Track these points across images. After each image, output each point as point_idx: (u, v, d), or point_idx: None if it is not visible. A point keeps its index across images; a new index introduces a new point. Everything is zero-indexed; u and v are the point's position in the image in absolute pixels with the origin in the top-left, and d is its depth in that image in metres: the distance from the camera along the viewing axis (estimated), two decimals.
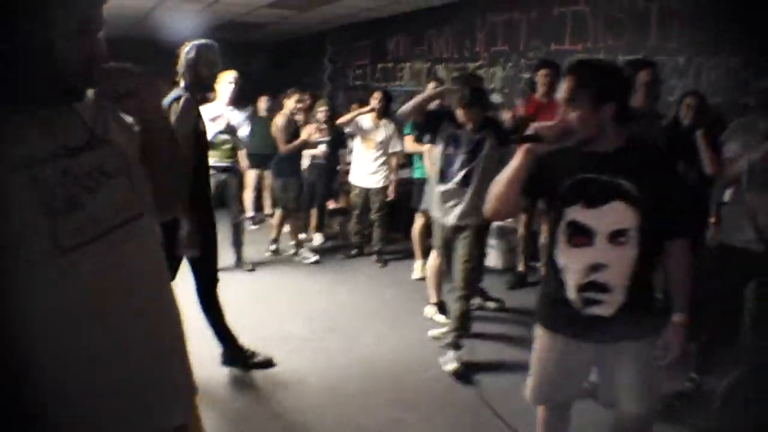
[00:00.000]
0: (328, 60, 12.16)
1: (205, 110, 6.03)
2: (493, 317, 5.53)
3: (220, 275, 4.27)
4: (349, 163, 7.73)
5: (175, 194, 1.74)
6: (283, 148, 6.98)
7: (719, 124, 4.88)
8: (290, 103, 7.27)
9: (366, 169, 7.14)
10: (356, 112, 7.09)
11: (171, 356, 1.61)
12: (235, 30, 11.42)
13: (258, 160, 8.74)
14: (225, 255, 6.69)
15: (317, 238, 8.14)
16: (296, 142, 7.01)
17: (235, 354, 4.38)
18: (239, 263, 6.90)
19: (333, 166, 8.11)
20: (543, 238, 6.06)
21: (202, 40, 4.04)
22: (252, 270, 6.84)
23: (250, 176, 9.04)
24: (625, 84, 2.53)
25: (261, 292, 6.15)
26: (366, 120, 7.07)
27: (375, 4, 9.10)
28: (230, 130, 6.44)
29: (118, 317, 1.43)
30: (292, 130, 7.18)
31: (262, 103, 9.11)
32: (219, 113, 6.34)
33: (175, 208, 1.86)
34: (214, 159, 6.25)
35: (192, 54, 3.98)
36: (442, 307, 5.34)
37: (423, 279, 6.47)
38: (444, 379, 4.31)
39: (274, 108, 8.97)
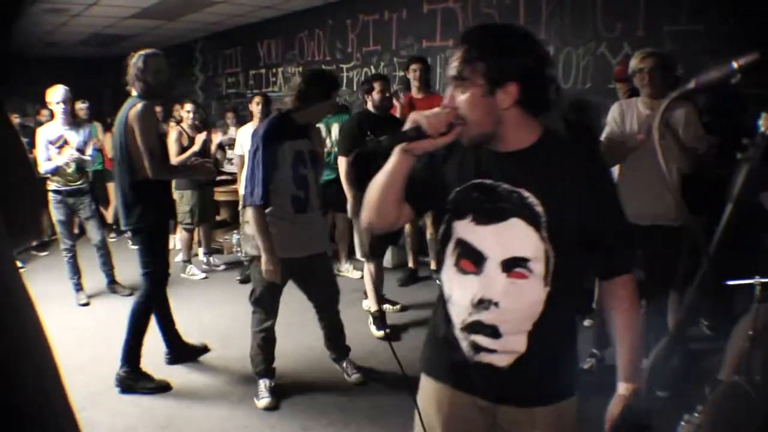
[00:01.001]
0: (198, 70, 11.89)
1: (42, 132, 5.90)
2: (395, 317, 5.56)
3: (97, 300, 4.09)
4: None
5: (31, 217, 1.58)
6: (176, 159, 6.49)
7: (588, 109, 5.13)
8: (185, 114, 7.08)
9: None
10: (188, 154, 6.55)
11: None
12: (102, 43, 11.00)
13: None
14: (101, 277, 6.48)
15: (201, 252, 7.92)
16: (188, 152, 6.62)
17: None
18: (113, 287, 6.60)
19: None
20: (429, 234, 6.15)
21: (149, 50, 4.28)
22: (130, 294, 6.33)
23: None
24: (536, 58, 1.71)
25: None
26: (246, 132, 6.83)
27: (243, 10, 8.98)
28: (77, 159, 6.03)
29: None
30: (186, 141, 6.92)
31: None
32: (58, 134, 5.96)
33: (31, 233, 1.65)
34: (56, 185, 5.98)
35: (140, 63, 4.18)
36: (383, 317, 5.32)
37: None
38: (349, 387, 4.28)
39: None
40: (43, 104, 7.94)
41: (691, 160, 3.81)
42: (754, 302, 3.01)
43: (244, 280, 6.69)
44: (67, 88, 5.89)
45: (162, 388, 4.27)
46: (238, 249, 7.68)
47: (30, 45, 10.40)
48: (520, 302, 1.79)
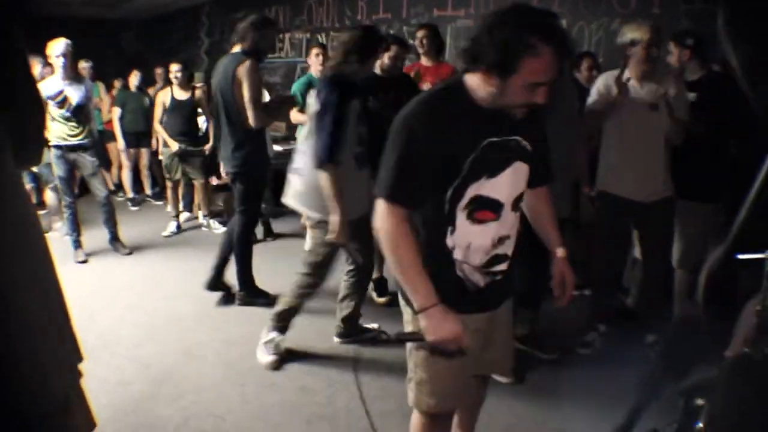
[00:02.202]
0: (204, 34, 11.75)
1: (42, 87, 5.67)
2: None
3: (95, 258, 4.05)
4: None
5: (36, 141, 1.53)
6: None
7: None
8: (172, 74, 7.10)
9: None
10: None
11: (54, 314, 1.42)
12: (107, 3, 10.87)
13: (133, 138, 8.42)
14: (100, 236, 6.44)
15: (201, 215, 7.89)
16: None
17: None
18: (114, 244, 6.53)
19: (214, 142, 7.67)
20: None
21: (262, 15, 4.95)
22: (129, 253, 6.47)
23: (127, 156, 8.67)
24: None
25: (146, 274, 5.89)
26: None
27: None
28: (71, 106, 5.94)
29: None
30: (168, 102, 7.08)
31: (134, 78, 8.72)
32: (58, 89, 5.86)
33: (36, 156, 1.60)
34: (59, 137, 5.91)
35: (257, 23, 4.65)
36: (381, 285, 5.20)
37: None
38: (347, 349, 4.23)
39: (147, 84, 8.73)
40: (46, 64, 7.90)
41: (681, 132, 3.80)
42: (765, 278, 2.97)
43: None
44: (68, 41, 5.77)
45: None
46: None
47: (37, 2, 10.26)
48: (517, 226, 2.25)
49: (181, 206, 7.63)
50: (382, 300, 5.09)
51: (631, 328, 4.36)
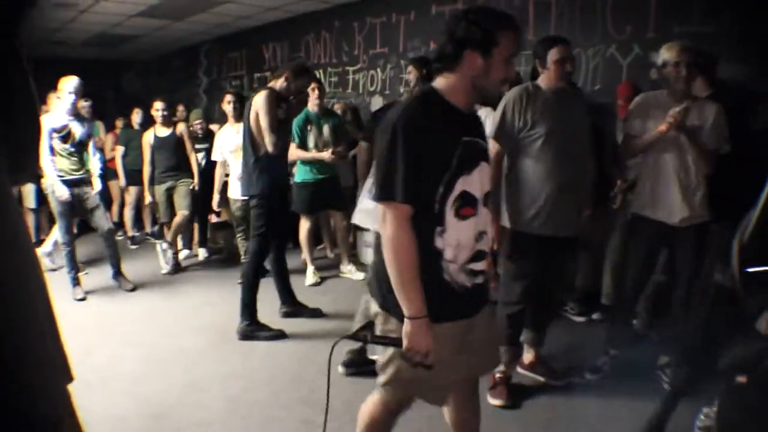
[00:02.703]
0: (203, 73, 11.85)
1: (47, 120, 5.84)
2: None
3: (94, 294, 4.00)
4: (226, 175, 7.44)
5: (30, 153, 1.49)
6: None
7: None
8: (154, 112, 7.24)
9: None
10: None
11: (44, 332, 1.38)
12: (106, 44, 10.99)
13: (137, 176, 8.42)
14: (100, 272, 6.43)
15: (201, 253, 7.84)
16: None
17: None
18: (119, 279, 6.52)
19: (211, 179, 7.63)
20: None
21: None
22: (133, 289, 6.49)
23: (129, 193, 8.67)
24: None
25: (146, 309, 5.84)
26: (226, 131, 6.81)
27: (249, 12, 8.94)
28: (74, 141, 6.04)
29: None
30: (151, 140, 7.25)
31: (136, 116, 8.75)
32: (63, 123, 5.94)
33: (30, 170, 1.56)
34: (61, 171, 5.95)
35: (297, 70, 4.97)
36: None
37: (317, 284, 6.39)
38: (349, 381, 4.14)
39: (148, 122, 8.75)
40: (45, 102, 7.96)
41: (709, 161, 3.70)
42: None
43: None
44: (79, 79, 5.90)
45: (279, 336, 4.95)
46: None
47: (36, 43, 10.39)
48: (489, 223, 2.39)
49: (180, 244, 7.59)
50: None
51: (642, 350, 4.32)
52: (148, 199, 7.34)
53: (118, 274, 6.51)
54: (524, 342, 4.15)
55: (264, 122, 4.70)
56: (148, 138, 7.22)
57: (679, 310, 3.95)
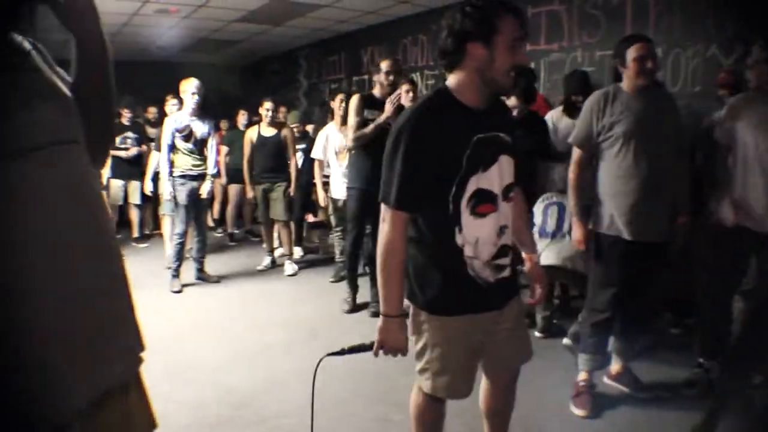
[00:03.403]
0: (302, 76, 12.07)
1: (170, 120, 6.25)
2: None
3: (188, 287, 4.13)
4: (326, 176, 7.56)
5: (107, 134, 1.55)
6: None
7: None
8: (263, 111, 7.21)
9: (343, 181, 6.51)
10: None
11: (118, 301, 1.41)
12: (207, 49, 11.35)
13: (240, 175, 8.66)
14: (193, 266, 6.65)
15: (297, 252, 7.98)
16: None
17: None
18: (203, 275, 6.76)
19: (309, 179, 7.74)
20: None
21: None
22: (218, 281, 6.74)
23: (231, 191, 8.94)
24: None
25: (238, 303, 6.03)
26: (332, 131, 6.87)
27: (346, 16, 9.05)
28: (195, 139, 6.39)
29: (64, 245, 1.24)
30: (255, 140, 7.28)
31: (241, 117, 9.03)
32: (185, 123, 6.29)
33: (106, 154, 1.61)
34: (183, 167, 6.25)
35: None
36: None
37: None
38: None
39: (253, 123, 8.99)
40: (151, 103, 8.31)
41: None
42: None
43: (336, 280, 6.76)
44: (200, 81, 6.26)
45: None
46: (335, 250, 7.72)
47: (140, 48, 10.79)
48: (513, 217, 2.38)
49: (276, 242, 7.75)
50: None
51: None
52: (250, 194, 7.43)
53: (201, 271, 6.76)
54: (612, 352, 4.02)
55: (349, 121, 5.22)
56: (251, 135, 7.27)
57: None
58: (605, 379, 4.03)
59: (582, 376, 3.82)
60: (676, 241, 3.79)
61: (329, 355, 2.43)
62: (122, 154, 8.19)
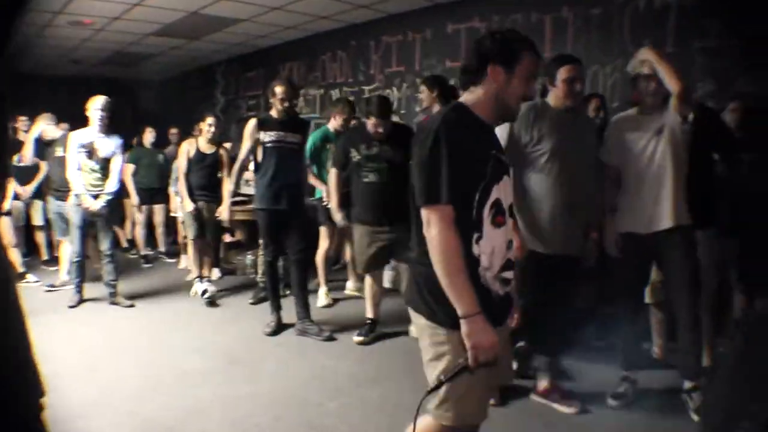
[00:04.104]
0: (219, 93, 11.85)
1: (75, 136, 6.05)
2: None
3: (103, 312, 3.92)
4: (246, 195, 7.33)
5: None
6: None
7: None
8: (205, 126, 6.85)
9: None
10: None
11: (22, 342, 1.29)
12: (123, 63, 11.03)
13: (147, 195, 8.38)
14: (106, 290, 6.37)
15: (214, 273, 7.71)
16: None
17: None
18: (115, 299, 6.42)
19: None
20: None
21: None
22: (131, 306, 6.41)
23: (141, 212, 8.62)
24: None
25: (151, 329, 5.73)
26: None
27: (266, 31, 8.93)
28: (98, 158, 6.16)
29: None
30: (191, 154, 6.80)
31: (148, 135, 8.69)
32: (90, 140, 6.09)
33: (3, 191, 1.50)
34: (82, 187, 6.03)
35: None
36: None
37: (329, 306, 6.28)
38: (355, 405, 4.03)
39: (160, 142, 8.74)
40: (64, 119, 7.93)
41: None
42: None
43: (257, 302, 6.54)
44: (108, 99, 6.11)
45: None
46: (252, 270, 7.51)
47: (54, 62, 10.46)
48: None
49: (184, 263, 7.48)
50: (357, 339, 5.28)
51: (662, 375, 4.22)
52: (190, 207, 6.78)
53: (114, 295, 6.43)
54: (537, 368, 4.03)
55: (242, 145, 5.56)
56: (187, 149, 6.81)
57: (684, 328, 3.86)
58: (534, 397, 3.99)
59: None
60: (586, 256, 3.94)
61: (430, 392, 2.21)
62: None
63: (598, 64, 5.81)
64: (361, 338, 5.22)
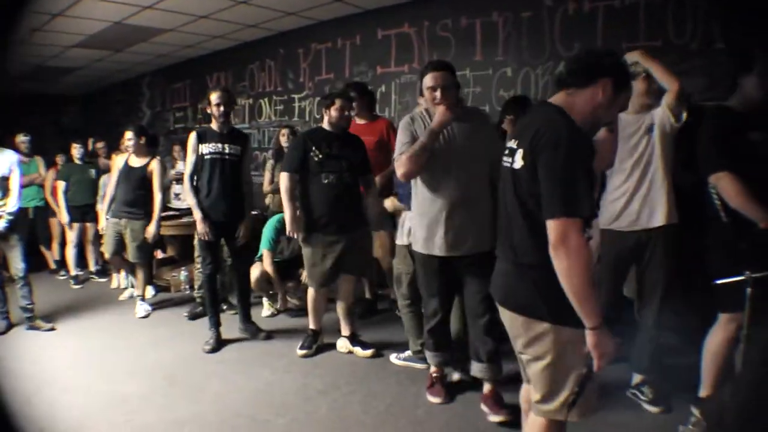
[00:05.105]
0: (146, 105, 11.59)
1: None
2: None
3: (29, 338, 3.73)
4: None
5: None
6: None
7: None
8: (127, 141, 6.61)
9: None
10: None
11: None
12: (45, 77, 10.67)
13: (78, 213, 8.09)
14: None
15: (148, 291, 7.48)
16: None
17: None
18: (33, 324, 6.10)
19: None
20: (387, 263, 5.80)
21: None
22: (52, 329, 6.10)
23: (73, 230, 8.28)
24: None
25: (84, 353, 5.47)
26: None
27: (192, 41, 8.76)
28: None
29: None
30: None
31: (75, 152, 8.38)
32: None
33: None
34: None
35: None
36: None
37: (272, 316, 6.21)
38: (304, 421, 3.95)
39: (86, 156, 8.44)
40: None
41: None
42: (746, 300, 3.02)
43: (193, 317, 6.37)
44: None
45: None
46: (187, 286, 7.33)
47: None
48: None
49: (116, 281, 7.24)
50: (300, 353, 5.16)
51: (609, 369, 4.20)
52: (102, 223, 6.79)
53: (31, 319, 6.12)
54: (478, 376, 4.03)
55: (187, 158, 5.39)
56: (118, 164, 6.67)
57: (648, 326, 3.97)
58: (482, 406, 3.95)
59: (432, 369, 4.29)
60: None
61: (571, 405, 2.41)
62: None
63: (528, 66, 5.86)
64: (304, 351, 5.13)
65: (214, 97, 5.24)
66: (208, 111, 5.32)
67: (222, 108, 5.22)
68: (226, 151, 5.27)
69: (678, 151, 3.87)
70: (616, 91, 2.33)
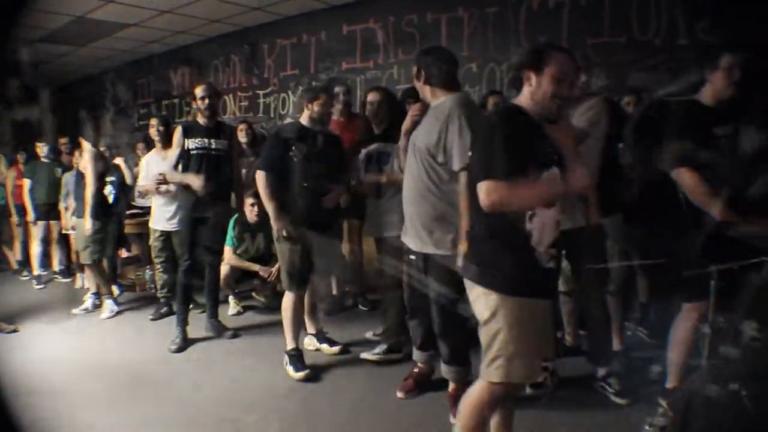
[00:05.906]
0: (109, 101, 11.44)
1: None
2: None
3: None
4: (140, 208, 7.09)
5: None
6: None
7: None
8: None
9: (164, 210, 6.12)
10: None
11: None
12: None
13: (43, 211, 7.94)
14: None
15: (113, 290, 7.36)
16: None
17: None
18: None
19: (121, 210, 7.17)
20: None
21: None
22: (15, 331, 5.97)
23: (38, 228, 8.12)
24: None
25: (51, 354, 5.38)
26: (153, 158, 6.43)
27: (157, 35, 8.68)
28: None
29: None
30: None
31: (40, 149, 8.21)
32: None
33: None
34: None
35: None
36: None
37: (238, 314, 6.28)
38: (273, 418, 3.92)
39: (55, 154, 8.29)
40: None
41: None
42: (710, 293, 3.08)
43: (157, 318, 6.30)
44: None
45: None
46: (152, 286, 7.23)
47: None
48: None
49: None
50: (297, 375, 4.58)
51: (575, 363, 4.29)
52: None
53: None
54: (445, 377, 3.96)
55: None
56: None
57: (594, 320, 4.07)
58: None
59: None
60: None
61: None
62: None
63: (494, 62, 5.90)
64: (303, 374, 4.52)
65: (199, 90, 5.19)
66: (194, 105, 5.28)
67: (207, 101, 5.17)
68: (213, 146, 5.22)
69: (643, 145, 3.88)
70: (537, 74, 2.51)
